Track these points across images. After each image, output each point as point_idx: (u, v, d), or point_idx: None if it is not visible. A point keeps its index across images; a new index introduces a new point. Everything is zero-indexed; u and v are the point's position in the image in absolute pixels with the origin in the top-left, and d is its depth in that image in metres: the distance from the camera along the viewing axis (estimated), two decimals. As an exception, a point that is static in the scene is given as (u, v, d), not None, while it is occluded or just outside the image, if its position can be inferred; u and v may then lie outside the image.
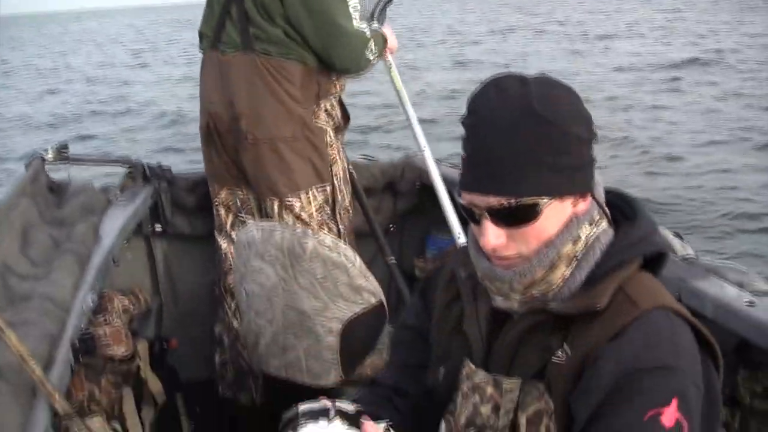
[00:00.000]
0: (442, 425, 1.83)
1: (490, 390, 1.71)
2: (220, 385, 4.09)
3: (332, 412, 1.58)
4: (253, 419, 4.07)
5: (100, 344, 3.19)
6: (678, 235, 3.22)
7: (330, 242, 3.04)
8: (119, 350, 3.32)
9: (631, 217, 1.73)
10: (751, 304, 2.64)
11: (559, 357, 1.63)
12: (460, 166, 1.63)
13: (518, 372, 1.68)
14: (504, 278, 1.63)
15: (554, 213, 1.59)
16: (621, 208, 1.75)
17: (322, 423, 1.57)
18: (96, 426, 2.46)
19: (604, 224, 1.68)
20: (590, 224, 1.65)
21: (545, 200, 1.56)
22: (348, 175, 3.87)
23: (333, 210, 3.74)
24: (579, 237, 1.63)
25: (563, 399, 1.62)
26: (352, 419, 1.60)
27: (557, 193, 1.58)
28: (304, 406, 1.62)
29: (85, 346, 2.68)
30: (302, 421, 1.58)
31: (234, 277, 3.54)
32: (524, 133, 1.54)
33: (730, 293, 2.74)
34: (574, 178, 1.60)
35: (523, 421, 1.65)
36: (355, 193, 3.98)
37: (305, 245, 3.01)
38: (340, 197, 3.75)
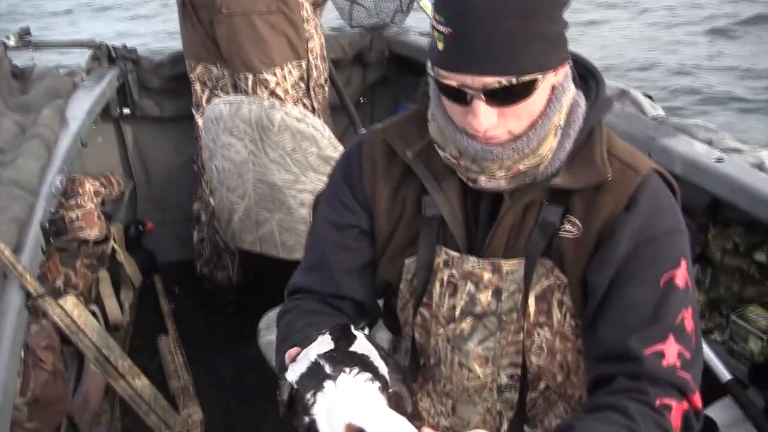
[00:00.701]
0: (417, 318, 1.77)
1: (487, 275, 1.67)
2: (197, 262, 4.12)
3: (327, 367, 1.34)
4: (230, 296, 4.12)
5: (72, 227, 3.19)
6: (648, 96, 3.21)
7: (298, 114, 3.01)
8: (92, 232, 3.32)
9: (586, 76, 1.69)
10: (719, 160, 2.65)
11: (569, 231, 1.60)
12: (439, 42, 1.46)
13: (518, 253, 1.64)
14: (499, 157, 1.54)
15: (545, 85, 1.51)
16: (573, 67, 1.67)
17: (329, 388, 1.31)
18: (69, 305, 2.46)
19: (573, 87, 1.62)
20: (569, 91, 1.60)
21: (541, 74, 1.47)
22: (324, 52, 3.81)
23: (307, 87, 3.70)
24: (563, 105, 1.58)
25: (579, 272, 1.61)
26: (346, 359, 1.37)
27: (551, 65, 1.49)
28: (293, 375, 1.38)
29: (56, 228, 2.66)
30: (308, 397, 1.32)
31: (204, 154, 3.51)
32: (519, 3, 1.42)
33: (699, 150, 2.74)
34: (561, 47, 1.52)
35: (531, 300, 1.64)
36: (324, 66, 3.93)
37: (273, 118, 2.98)
38: (315, 74, 3.70)
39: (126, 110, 4.24)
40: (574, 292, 1.63)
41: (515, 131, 1.52)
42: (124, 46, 4.22)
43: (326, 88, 3.81)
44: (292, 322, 1.73)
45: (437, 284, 1.71)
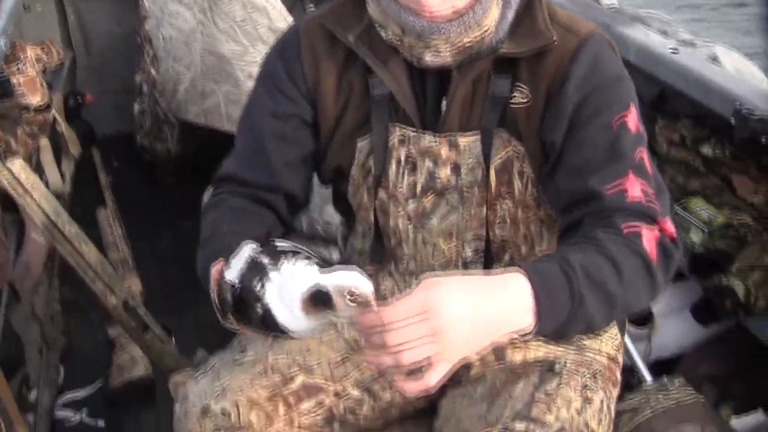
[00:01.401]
0: (372, 201, 1.74)
1: (444, 151, 1.66)
2: (138, 134, 4.06)
3: (265, 260, 1.37)
4: (170, 168, 4.10)
5: (14, 93, 3.11)
6: (601, -15, 3.22)
7: (250, -17, 2.96)
8: (34, 99, 3.24)
9: None
10: (675, 51, 2.67)
11: (519, 101, 1.61)
12: None
13: (472, 127, 1.64)
14: (446, 32, 1.54)
15: None
16: None
17: (274, 274, 1.35)
18: (17, 168, 2.41)
19: None
20: None
21: None
22: None
23: None
24: None
25: (535, 140, 1.61)
26: (278, 253, 1.40)
27: None
28: (232, 274, 1.39)
29: (2, 90, 2.60)
30: (256, 286, 1.36)
31: (150, 23, 3.44)
32: None
33: (654, 40, 2.76)
34: None
35: (492, 172, 1.64)
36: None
37: (224, -13, 2.93)
38: None
39: None
40: (533, 161, 1.63)
41: (459, 5, 1.52)
42: None
43: None
44: (217, 222, 1.69)
45: (393, 163, 1.70)
